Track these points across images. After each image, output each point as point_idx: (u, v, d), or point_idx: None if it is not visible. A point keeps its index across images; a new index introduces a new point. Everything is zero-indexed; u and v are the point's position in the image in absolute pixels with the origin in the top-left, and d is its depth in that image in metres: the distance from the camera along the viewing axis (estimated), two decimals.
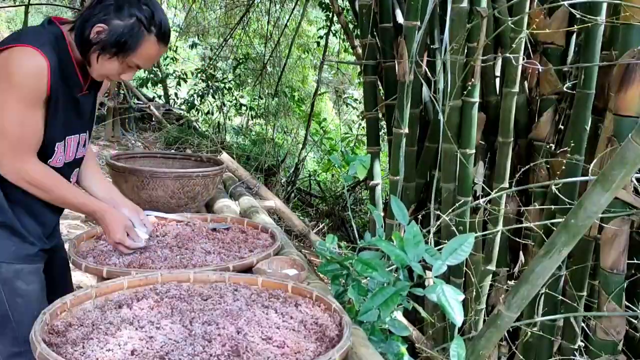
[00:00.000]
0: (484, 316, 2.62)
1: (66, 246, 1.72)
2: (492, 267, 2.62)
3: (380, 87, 3.21)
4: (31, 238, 1.51)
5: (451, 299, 1.19)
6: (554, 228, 1.88)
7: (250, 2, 7.25)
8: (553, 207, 2.34)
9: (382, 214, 3.12)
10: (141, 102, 7.91)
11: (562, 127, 2.60)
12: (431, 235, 2.43)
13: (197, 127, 7.59)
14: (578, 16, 2.19)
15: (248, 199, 2.62)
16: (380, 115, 3.31)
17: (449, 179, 2.58)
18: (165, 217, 1.92)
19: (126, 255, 1.60)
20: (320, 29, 7.22)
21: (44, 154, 1.50)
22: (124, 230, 1.59)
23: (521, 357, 2.42)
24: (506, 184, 2.53)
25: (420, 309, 1.46)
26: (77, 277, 3.22)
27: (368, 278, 1.42)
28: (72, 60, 1.46)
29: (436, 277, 1.24)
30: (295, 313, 1.26)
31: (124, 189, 2.13)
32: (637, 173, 1.91)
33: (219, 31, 8.76)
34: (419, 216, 2.65)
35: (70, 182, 1.61)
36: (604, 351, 2.09)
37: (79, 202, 1.55)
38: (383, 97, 3.14)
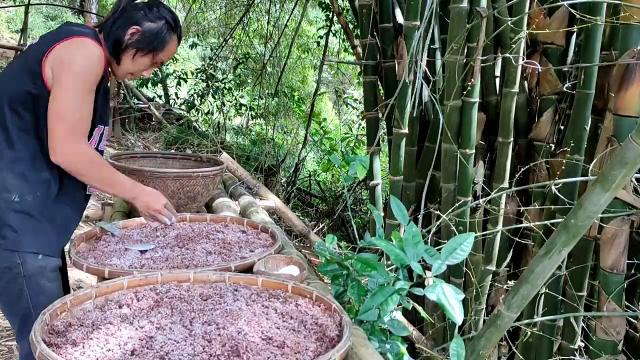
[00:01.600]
0: (484, 316, 2.62)
1: (66, 247, 1.72)
2: (492, 267, 2.62)
3: (380, 87, 3.21)
4: (66, 233, 1.61)
5: (451, 298, 1.19)
6: (554, 228, 1.88)
7: (250, 2, 7.25)
8: (553, 207, 2.34)
9: (382, 214, 3.12)
10: (141, 102, 7.91)
11: (562, 127, 2.60)
12: (430, 235, 2.44)
13: (197, 127, 7.58)
14: (578, 16, 2.19)
15: (248, 198, 2.62)
16: (380, 115, 3.31)
17: (448, 179, 2.58)
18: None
19: (127, 255, 1.60)
20: (320, 28, 7.21)
21: None
22: (163, 204, 1.73)
23: (521, 357, 2.42)
24: (506, 184, 2.53)
25: (420, 309, 1.46)
26: (78, 276, 3.22)
27: (368, 278, 1.42)
28: (104, 55, 1.59)
29: (436, 277, 1.24)
30: (295, 313, 1.26)
31: None
32: (637, 173, 1.91)
33: (219, 31, 8.76)
34: (419, 216, 2.65)
35: None
36: (604, 351, 2.09)
37: (123, 178, 1.66)
38: (383, 97, 3.14)
